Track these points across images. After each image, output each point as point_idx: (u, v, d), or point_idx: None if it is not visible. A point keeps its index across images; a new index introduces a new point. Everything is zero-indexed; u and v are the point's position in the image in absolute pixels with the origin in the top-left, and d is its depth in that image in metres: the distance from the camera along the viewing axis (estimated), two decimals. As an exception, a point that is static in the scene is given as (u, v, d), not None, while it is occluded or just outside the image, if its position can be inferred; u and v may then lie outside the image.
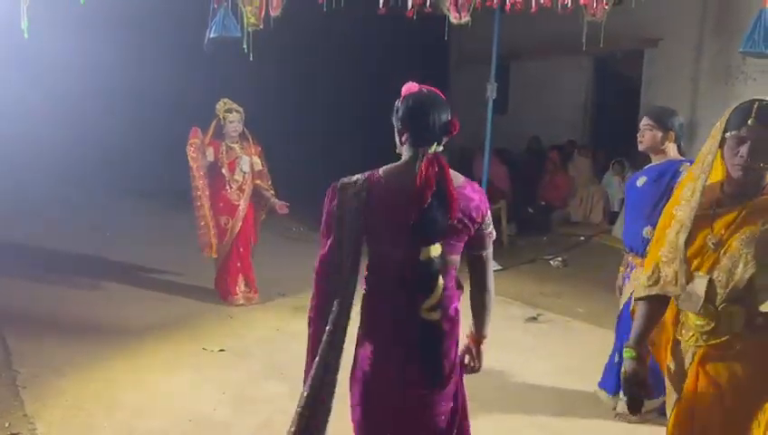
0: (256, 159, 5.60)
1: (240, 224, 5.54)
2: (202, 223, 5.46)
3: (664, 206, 2.82)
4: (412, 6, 5.16)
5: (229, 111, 5.44)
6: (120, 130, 10.84)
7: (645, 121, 3.59)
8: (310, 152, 11.80)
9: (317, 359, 2.21)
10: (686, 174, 3.22)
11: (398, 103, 2.22)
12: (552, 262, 7.50)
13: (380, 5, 5.08)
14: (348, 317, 2.18)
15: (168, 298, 5.73)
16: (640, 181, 3.63)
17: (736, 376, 2.14)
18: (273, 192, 5.69)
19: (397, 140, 2.25)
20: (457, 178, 2.17)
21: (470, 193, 2.17)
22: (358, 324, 2.27)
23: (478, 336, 2.40)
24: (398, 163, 2.21)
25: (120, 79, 10.89)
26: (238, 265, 5.62)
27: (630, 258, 3.66)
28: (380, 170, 2.18)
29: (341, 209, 2.15)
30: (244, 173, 5.52)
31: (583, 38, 5.79)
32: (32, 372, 4.12)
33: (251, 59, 4.81)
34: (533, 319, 5.53)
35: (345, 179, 2.19)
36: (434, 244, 2.07)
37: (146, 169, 10.36)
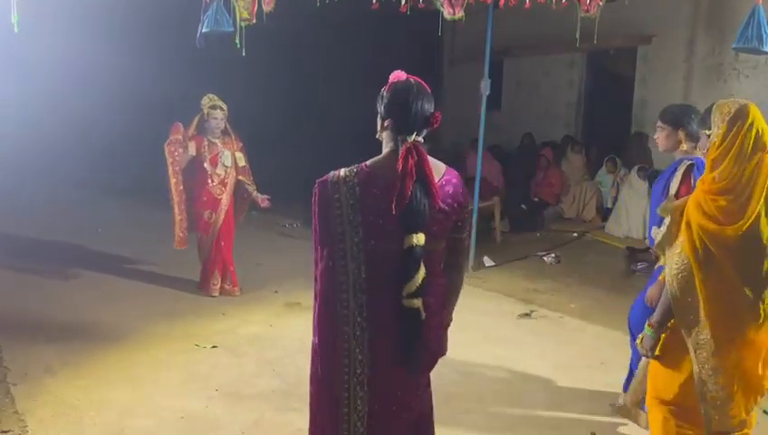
0: (239, 155, 5.64)
1: (223, 217, 5.60)
2: (178, 217, 5.52)
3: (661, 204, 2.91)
4: (406, 2, 5.14)
5: (214, 107, 5.48)
6: (111, 127, 10.80)
7: (658, 123, 3.55)
8: (302, 147, 11.77)
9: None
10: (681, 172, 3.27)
11: (383, 90, 2.24)
12: (545, 258, 7.51)
13: (374, 1, 5.06)
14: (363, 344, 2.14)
15: (159, 295, 5.71)
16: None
17: None
18: (255, 187, 5.74)
19: (378, 125, 2.26)
20: (438, 166, 2.21)
21: (452, 180, 2.21)
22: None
23: (446, 320, 2.40)
24: (383, 155, 2.21)
25: (112, 76, 10.82)
26: (229, 257, 5.70)
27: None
28: (367, 163, 2.18)
29: (340, 208, 2.11)
30: (227, 167, 5.58)
31: (577, 34, 5.78)
32: (22, 369, 4.09)
33: (243, 54, 4.78)
34: (526, 315, 5.53)
35: (333, 175, 2.16)
36: (417, 232, 2.08)
37: (138, 165, 10.29)
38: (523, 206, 9.30)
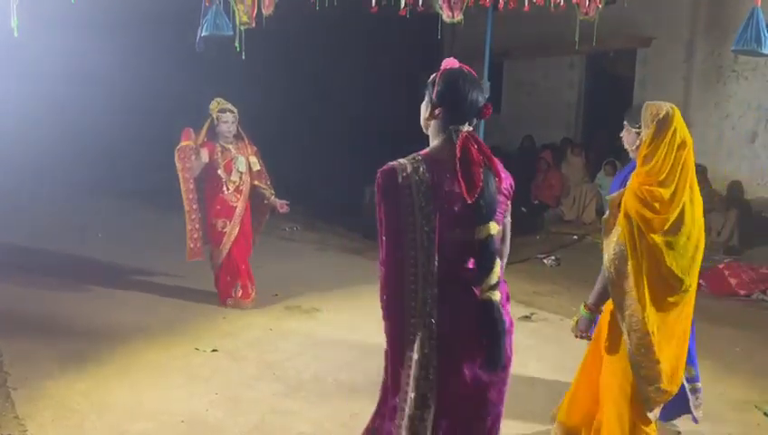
0: (254, 159, 5.47)
1: (238, 227, 5.42)
2: (189, 227, 5.35)
3: None
4: (405, 5, 5.15)
5: (223, 110, 5.30)
6: (112, 130, 10.79)
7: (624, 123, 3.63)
8: (302, 151, 11.77)
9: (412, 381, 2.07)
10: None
11: (435, 77, 2.17)
12: (545, 261, 7.51)
13: (373, 4, 5.06)
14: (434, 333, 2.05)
15: (159, 299, 5.70)
16: None
17: None
18: (272, 191, 5.60)
19: (424, 114, 2.19)
20: None
21: (503, 168, 2.21)
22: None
23: None
24: (437, 145, 2.15)
25: (112, 79, 10.83)
26: (243, 267, 5.51)
27: None
28: (427, 152, 2.12)
29: (410, 196, 2.01)
30: (241, 174, 5.39)
31: (576, 37, 5.79)
32: (23, 373, 4.09)
33: (243, 57, 4.79)
34: (527, 318, 5.53)
35: (399, 163, 2.06)
36: (491, 221, 2.06)
37: (138, 169, 10.31)
38: (522, 208, 9.30)
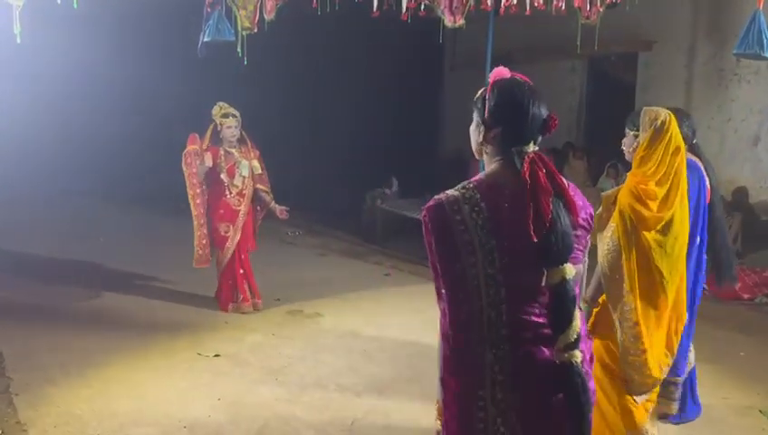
0: (255, 163, 5.50)
1: (241, 231, 5.45)
2: (197, 233, 5.37)
3: None
4: (406, 10, 5.15)
5: (226, 115, 5.33)
6: (115, 135, 10.82)
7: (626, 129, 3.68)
8: (303, 155, 11.77)
9: None
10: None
11: (484, 92, 1.80)
12: (547, 265, 7.49)
13: (374, 8, 5.07)
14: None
15: (161, 304, 5.70)
16: None
17: None
18: (272, 196, 5.63)
19: (477, 137, 1.82)
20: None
21: (579, 193, 1.80)
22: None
23: None
24: (495, 169, 1.77)
25: (115, 85, 10.87)
26: (242, 271, 5.52)
27: None
28: (479, 180, 1.74)
29: (466, 231, 1.65)
30: (244, 178, 5.42)
31: (578, 41, 5.78)
32: (25, 379, 4.09)
33: (245, 63, 4.79)
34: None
35: (446, 195, 1.70)
36: (565, 263, 1.64)
37: (141, 174, 10.33)
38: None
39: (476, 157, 1.88)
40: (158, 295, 5.92)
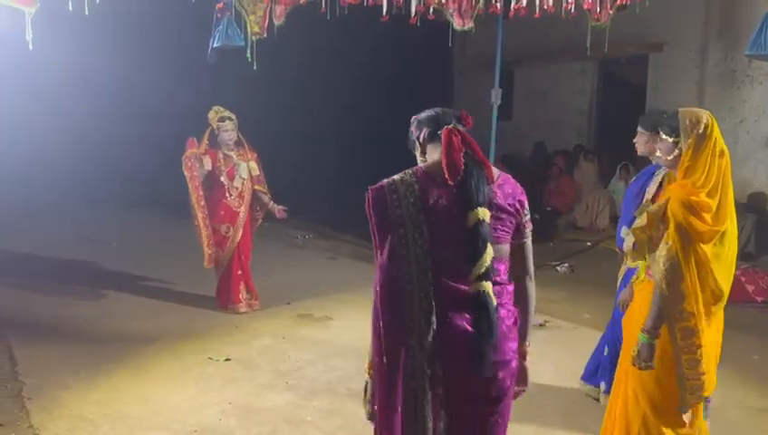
0: (253, 165, 5.59)
1: (241, 231, 5.54)
2: (204, 233, 5.43)
3: (637, 207, 3.23)
4: (415, 14, 5.16)
5: (222, 119, 5.41)
6: (122, 141, 10.88)
7: (638, 128, 3.70)
8: (314, 160, 11.80)
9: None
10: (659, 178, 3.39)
11: (410, 129, 2.30)
12: (558, 268, 7.47)
13: (384, 13, 5.07)
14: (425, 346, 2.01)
15: (172, 308, 5.73)
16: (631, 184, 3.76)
17: None
18: (270, 196, 5.69)
19: (419, 150, 2.26)
20: (494, 170, 2.16)
21: (509, 180, 2.19)
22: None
23: (523, 346, 2.29)
24: (430, 163, 2.17)
25: (123, 91, 10.94)
26: (239, 272, 5.60)
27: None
28: (418, 168, 2.14)
29: (399, 208, 2.03)
30: (243, 180, 5.52)
31: (588, 43, 5.77)
32: (37, 383, 4.11)
33: (254, 68, 4.81)
34: (541, 325, 5.49)
35: (387, 180, 2.10)
36: (479, 207, 2.00)
37: (149, 179, 10.38)
38: (535, 215, 9.22)
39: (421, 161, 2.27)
40: (169, 299, 5.95)
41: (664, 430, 2.82)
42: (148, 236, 8.29)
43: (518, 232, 2.18)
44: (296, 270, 6.87)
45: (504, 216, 2.10)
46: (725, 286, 2.70)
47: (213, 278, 5.75)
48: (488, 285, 1.99)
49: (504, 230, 2.11)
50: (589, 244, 8.65)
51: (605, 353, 3.95)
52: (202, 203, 5.40)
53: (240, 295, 5.60)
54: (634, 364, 2.75)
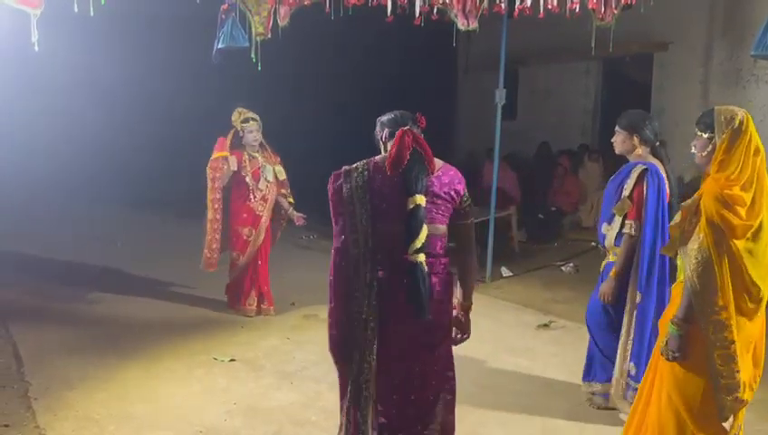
0: (279, 168, 5.50)
1: (263, 235, 5.47)
2: (209, 237, 5.37)
3: (615, 204, 3.53)
4: (420, 14, 5.16)
5: (246, 120, 5.33)
6: (130, 141, 10.92)
7: (616, 127, 3.86)
8: (319, 161, 11.79)
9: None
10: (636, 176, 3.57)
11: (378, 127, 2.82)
12: (563, 268, 7.46)
13: (388, 13, 5.07)
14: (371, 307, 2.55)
15: (178, 308, 5.74)
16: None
17: None
18: (292, 201, 5.63)
19: (382, 147, 2.76)
20: (437, 161, 2.64)
21: (449, 172, 2.66)
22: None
23: (465, 303, 2.78)
24: (382, 155, 2.68)
25: (130, 92, 10.97)
26: (254, 276, 5.53)
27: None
28: (372, 159, 2.63)
29: (350, 190, 2.55)
30: (268, 182, 5.43)
31: (592, 43, 5.76)
32: (43, 383, 4.13)
33: (259, 69, 4.81)
34: (545, 326, 5.49)
35: (345, 167, 2.61)
36: (417, 194, 2.48)
37: (154, 180, 10.40)
38: (540, 215, 9.25)
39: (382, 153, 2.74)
40: (174, 299, 5.96)
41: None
42: (153, 236, 8.31)
43: (456, 214, 2.66)
44: (301, 270, 6.87)
45: (439, 202, 2.58)
46: (762, 284, 2.65)
47: (219, 278, 5.73)
48: (422, 257, 2.47)
49: (438, 213, 2.59)
50: (593, 244, 8.61)
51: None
52: (216, 206, 5.32)
53: (249, 300, 5.54)
54: (662, 353, 2.76)
